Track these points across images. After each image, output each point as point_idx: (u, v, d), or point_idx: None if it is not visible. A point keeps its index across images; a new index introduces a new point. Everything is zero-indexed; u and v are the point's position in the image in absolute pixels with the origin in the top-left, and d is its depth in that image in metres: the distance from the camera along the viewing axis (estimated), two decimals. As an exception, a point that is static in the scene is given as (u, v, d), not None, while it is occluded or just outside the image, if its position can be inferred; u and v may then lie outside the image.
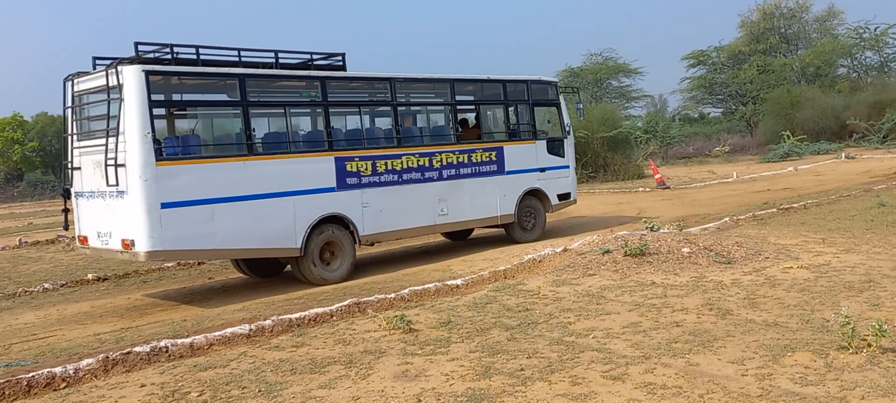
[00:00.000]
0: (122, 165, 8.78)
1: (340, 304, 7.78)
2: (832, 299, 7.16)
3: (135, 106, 8.75)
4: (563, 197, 13.33)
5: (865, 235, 10.53)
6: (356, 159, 10.53)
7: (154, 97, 9.04)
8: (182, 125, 10.72)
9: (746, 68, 44.58)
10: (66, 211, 10.03)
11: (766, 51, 45.15)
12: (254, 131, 9.86)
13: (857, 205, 13.98)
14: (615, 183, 25.71)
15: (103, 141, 9.03)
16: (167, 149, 9.20)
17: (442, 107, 12.48)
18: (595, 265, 9.08)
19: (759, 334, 6.23)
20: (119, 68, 8.86)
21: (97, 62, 9.40)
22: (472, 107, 12.96)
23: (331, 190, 10.23)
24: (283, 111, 10.43)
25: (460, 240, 13.93)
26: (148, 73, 8.87)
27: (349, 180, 10.43)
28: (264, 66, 10.20)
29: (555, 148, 13.19)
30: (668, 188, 22.37)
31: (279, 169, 9.78)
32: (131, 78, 8.78)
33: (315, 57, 10.67)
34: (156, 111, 9.20)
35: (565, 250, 9.96)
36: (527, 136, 12.78)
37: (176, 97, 10.26)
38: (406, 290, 8.37)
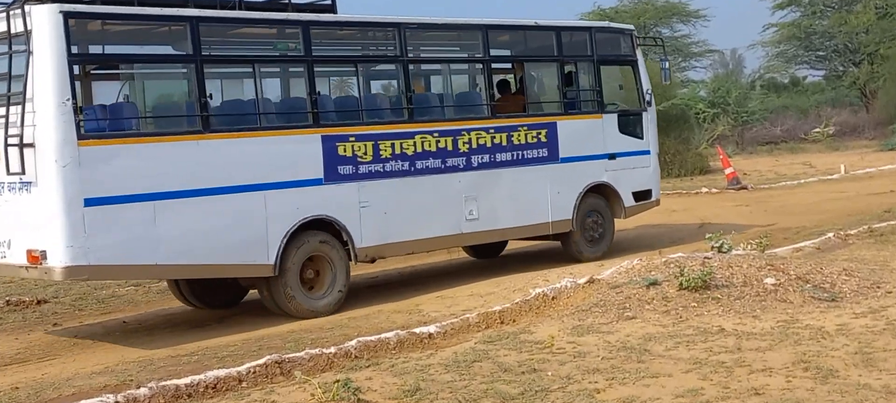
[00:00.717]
0: (30, 145, 9.07)
1: (254, 364, 7.74)
2: (985, 354, 7.25)
3: (49, 61, 9.07)
4: (642, 195, 14.06)
5: None
6: (352, 139, 11.04)
7: (75, 50, 9.35)
8: (109, 90, 10.98)
9: (859, 11, 44.98)
10: None
11: (888, -14, 45.70)
12: (211, 97, 10.24)
13: None
14: (667, 180, 25.82)
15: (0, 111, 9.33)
16: (91, 122, 9.53)
17: (470, 67, 13.25)
18: (636, 303, 9.13)
19: (878, 407, 6.30)
20: (26, 8, 9.13)
21: None
22: (512, 66, 13.77)
23: (316, 182, 10.77)
24: (250, 69, 10.99)
25: (488, 259, 14.20)
26: (67, 16, 9.20)
27: (342, 169, 10.97)
28: (223, 6, 10.59)
29: (629, 125, 13.88)
30: (745, 188, 22.61)
31: (246, 151, 10.33)
32: (44, 22, 9.10)
33: None
34: (77, 69, 9.55)
35: (592, 281, 10.01)
36: (590, 108, 13.49)
37: (103, 50, 10.69)
38: (353, 342, 8.36)
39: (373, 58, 12.35)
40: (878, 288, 9.44)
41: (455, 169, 11.92)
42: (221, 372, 7.56)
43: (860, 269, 10.11)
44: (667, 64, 15.55)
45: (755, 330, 8.25)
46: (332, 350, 8.18)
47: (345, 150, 10.97)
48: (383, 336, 8.57)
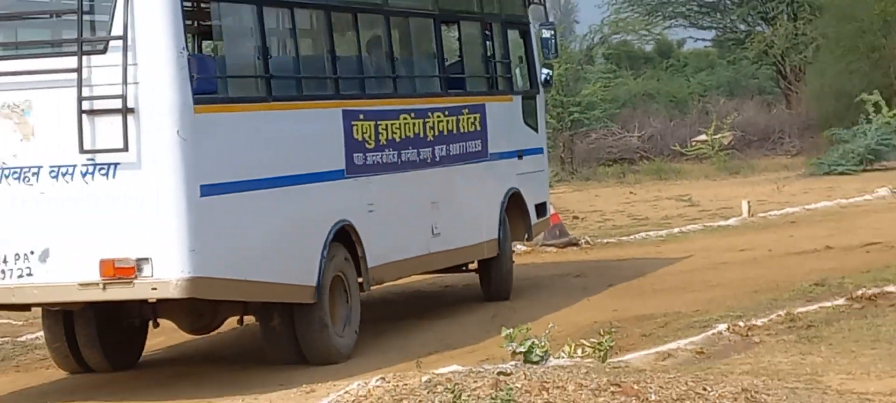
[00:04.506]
0: (131, 109, 11.90)
1: None
2: None
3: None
4: (540, 210, 18.96)
5: None
6: (362, 117, 15.01)
7: None
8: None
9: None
10: None
11: None
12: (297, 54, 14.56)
13: None
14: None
15: (35, 65, 12.26)
16: (201, 80, 12.54)
17: (423, 23, 17.48)
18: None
19: None
20: None
21: None
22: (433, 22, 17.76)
23: (338, 175, 14.53)
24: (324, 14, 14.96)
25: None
26: None
27: (357, 158, 14.84)
28: None
29: (528, 113, 18.87)
30: (576, 243, 23.62)
31: (302, 128, 14.20)
32: None
33: None
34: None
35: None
36: (505, 88, 18.48)
37: None
38: None
39: (387, 9, 16.12)
40: (803, 427, 9.92)
41: (425, 163, 16.20)
42: None
43: (773, 391, 10.54)
44: (551, 32, 19.65)
45: None
46: None
47: (360, 133, 14.80)
48: None
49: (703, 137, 40.74)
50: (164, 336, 16.11)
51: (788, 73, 48.27)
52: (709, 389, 10.36)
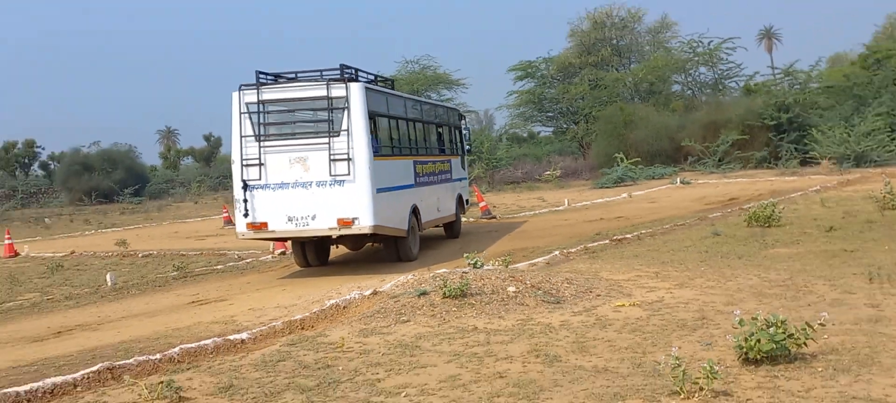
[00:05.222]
0: (350, 159, 13.44)
1: (88, 371, 7.29)
2: (665, 339, 7.78)
3: (361, 113, 13.62)
4: (467, 202, 20.53)
5: (699, 268, 11.59)
6: (418, 163, 16.60)
7: (369, 108, 13.86)
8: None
9: (577, 82, 47.55)
10: (246, 201, 13.77)
11: (597, 64, 48.35)
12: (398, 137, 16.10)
13: (692, 235, 15.39)
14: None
15: (310, 141, 13.72)
16: (375, 148, 13.89)
17: (436, 126, 19.21)
18: (409, 309, 9.26)
19: (589, 382, 6.64)
20: (348, 85, 13.61)
21: (261, 76, 13.97)
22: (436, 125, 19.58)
23: (412, 186, 15.96)
24: (408, 123, 16.70)
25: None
26: (367, 89, 14.02)
27: (418, 179, 16.38)
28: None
29: (463, 163, 20.62)
30: (494, 218, 23.40)
31: (406, 166, 15.93)
32: (358, 92, 13.68)
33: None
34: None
35: (375, 293, 10.04)
36: (455, 152, 19.85)
37: (374, 109, 14.64)
38: (176, 349, 8.07)
39: (408, 118, 16.97)
40: (591, 292, 9.92)
41: (433, 182, 17.31)
42: (57, 379, 7.12)
43: (578, 278, 10.60)
44: (468, 130, 21.93)
45: (500, 328, 8.52)
46: (158, 356, 7.86)
47: (418, 168, 16.39)
48: (202, 343, 8.32)
49: (548, 173, 40.74)
50: (339, 251, 16.11)
51: (584, 146, 48.20)
52: (551, 278, 10.41)
